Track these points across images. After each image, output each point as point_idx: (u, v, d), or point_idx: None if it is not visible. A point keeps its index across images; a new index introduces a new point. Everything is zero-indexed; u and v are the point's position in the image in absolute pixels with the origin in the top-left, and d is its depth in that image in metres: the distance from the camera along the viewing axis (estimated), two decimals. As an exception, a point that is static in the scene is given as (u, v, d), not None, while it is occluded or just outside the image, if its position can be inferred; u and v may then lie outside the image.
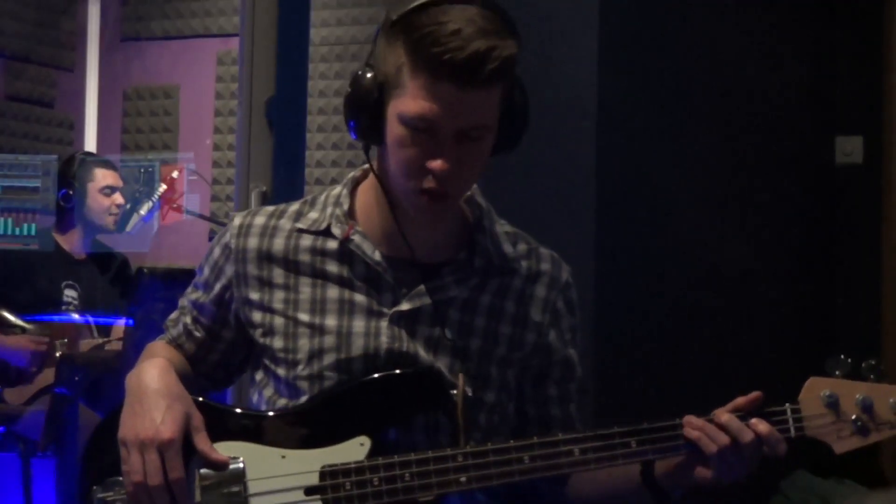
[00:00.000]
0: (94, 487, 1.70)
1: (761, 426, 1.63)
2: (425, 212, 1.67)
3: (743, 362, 3.22)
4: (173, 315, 1.89)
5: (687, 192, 3.08)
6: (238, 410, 1.74)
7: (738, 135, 3.27)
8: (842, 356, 1.67)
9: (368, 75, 1.65)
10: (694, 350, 3.08)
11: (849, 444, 1.65)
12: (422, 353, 1.71)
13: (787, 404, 1.65)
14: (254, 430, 1.69)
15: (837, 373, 1.67)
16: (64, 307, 4.24)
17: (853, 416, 1.64)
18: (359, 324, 1.72)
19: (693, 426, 1.64)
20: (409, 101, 1.60)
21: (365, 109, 1.65)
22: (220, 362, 1.86)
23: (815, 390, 1.66)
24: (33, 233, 4.52)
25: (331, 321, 1.73)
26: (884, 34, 3.59)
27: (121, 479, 1.66)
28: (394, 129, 1.63)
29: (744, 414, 1.64)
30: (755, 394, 1.66)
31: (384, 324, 1.72)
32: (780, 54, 3.42)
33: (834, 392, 1.65)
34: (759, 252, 3.33)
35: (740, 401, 1.66)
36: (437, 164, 1.61)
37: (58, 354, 3.91)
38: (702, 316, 3.12)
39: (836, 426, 1.64)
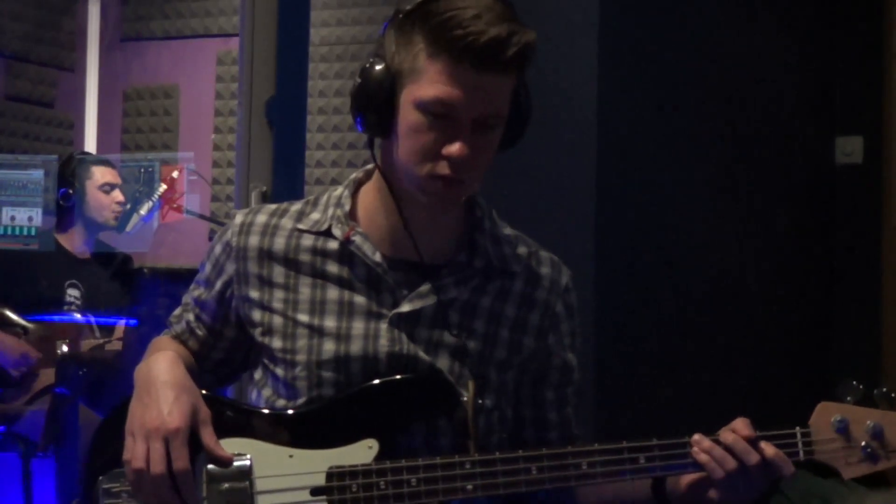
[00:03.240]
0: (101, 478, 1.71)
1: (768, 450, 1.62)
2: (438, 198, 1.66)
3: (742, 363, 3.22)
4: (177, 311, 1.89)
5: (687, 193, 3.08)
6: (248, 408, 1.74)
7: (739, 135, 3.27)
8: (853, 382, 1.67)
9: (378, 66, 1.65)
10: (693, 352, 3.08)
11: (857, 470, 1.65)
12: (421, 355, 1.71)
13: (798, 427, 1.65)
14: (263, 427, 1.69)
15: (849, 398, 1.66)
16: (66, 307, 4.24)
17: (863, 443, 1.64)
18: (358, 325, 1.72)
19: (701, 448, 1.63)
20: (426, 86, 1.60)
21: (375, 100, 1.64)
22: (223, 360, 1.86)
23: (826, 415, 1.66)
24: (33, 233, 4.52)
25: (330, 322, 1.72)
26: (884, 34, 3.59)
27: None
28: (408, 117, 1.63)
29: (750, 437, 1.63)
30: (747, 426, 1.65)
31: (384, 326, 1.72)
32: (780, 54, 3.43)
33: (845, 417, 1.65)
34: (759, 252, 3.33)
35: (740, 427, 1.65)
36: (454, 148, 1.60)
37: (59, 352, 3.91)
38: (701, 317, 3.12)
39: (845, 451, 1.65)
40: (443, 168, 1.62)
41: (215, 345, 1.85)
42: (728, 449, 1.62)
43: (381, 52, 1.66)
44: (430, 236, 1.73)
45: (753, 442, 1.62)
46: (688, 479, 1.67)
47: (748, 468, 1.61)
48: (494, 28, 1.56)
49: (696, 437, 1.64)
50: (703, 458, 1.63)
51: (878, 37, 3.60)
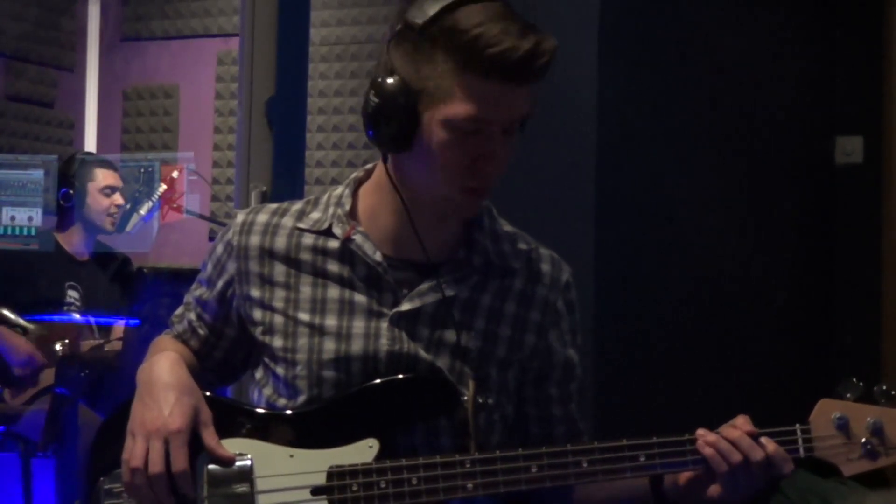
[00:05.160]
0: (102, 479, 1.71)
1: (770, 446, 1.63)
2: (468, 210, 1.70)
3: (742, 362, 3.23)
4: (178, 311, 1.89)
5: (687, 193, 3.08)
6: (248, 408, 1.74)
7: (739, 135, 3.27)
8: (853, 379, 1.67)
9: (396, 84, 1.63)
10: (693, 351, 3.08)
11: (857, 466, 1.65)
12: (422, 353, 1.71)
13: (798, 424, 1.65)
14: (263, 428, 1.70)
15: (849, 396, 1.67)
16: (66, 307, 4.24)
17: (863, 440, 1.64)
18: (359, 324, 1.72)
19: (707, 442, 1.63)
20: (457, 105, 1.60)
21: (396, 119, 1.63)
22: (224, 359, 1.86)
23: (826, 412, 1.66)
24: (33, 233, 4.52)
25: (331, 321, 1.73)
26: (884, 34, 3.59)
27: None
28: (436, 135, 1.63)
29: (752, 433, 1.63)
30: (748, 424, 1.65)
31: (384, 325, 1.72)
32: (780, 54, 3.43)
33: (845, 414, 1.65)
34: (759, 252, 3.33)
35: (741, 423, 1.65)
36: (490, 162, 1.63)
37: (58, 354, 3.91)
38: (701, 316, 3.12)
39: (845, 448, 1.65)
40: (474, 181, 1.65)
41: (217, 344, 1.85)
42: (733, 443, 1.62)
43: (391, 66, 1.64)
44: (435, 236, 1.74)
45: (755, 438, 1.63)
46: (687, 475, 1.67)
47: (751, 464, 1.62)
48: (524, 41, 1.58)
49: (701, 431, 1.65)
50: (707, 451, 1.63)
51: (878, 37, 3.60)
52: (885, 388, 1.66)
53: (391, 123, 1.63)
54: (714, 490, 1.64)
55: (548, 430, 1.82)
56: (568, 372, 1.83)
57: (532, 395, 1.81)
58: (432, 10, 1.60)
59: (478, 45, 1.57)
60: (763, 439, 1.63)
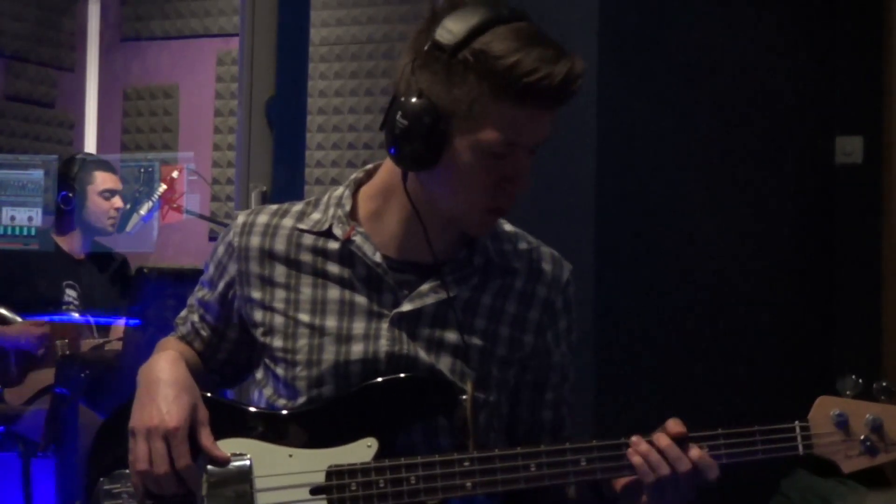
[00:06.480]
0: (102, 479, 1.71)
1: (693, 451, 1.60)
2: (484, 228, 1.71)
3: (742, 361, 3.23)
4: (183, 313, 1.90)
5: (687, 192, 3.08)
6: (247, 408, 1.74)
7: (739, 134, 3.27)
8: (853, 376, 1.67)
9: (424, 104, 1.62)
10: (694, 350, 3.08)
11: (857, 463, 1.64)
12: (422, 354, 1.71)
13: (797, 422, 1.65)
14: (262, 428, 1.70)
15: (848, 392, 1.66)
16: (64, 307, 4.24)
17: (862, 436, 1.64)
18: (359, 325, 1.72)
19: (637, 451, 1.61)
20: (491, 131, 1.61)
21: (424, 140, 1.62)
22: (228, 361, 1.86)
23: (825, 409, 1.65)
24: (33, 233, 4.52)
25: (331, 322, 1.73)
26: (884, 34, 3.59)
27: (128, 471, 1.67)
28: (464, 157, 1.63)
29: (681, 438, 1.61)
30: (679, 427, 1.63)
31: (384, 326, 1.72)
32: (781, 54, 3.43)
33: (844, 411, 1.64)
34: (758, 251, 3.33)
35: (671, 426, 1.63)
36: (515, 183, 1.64)
37: (58, 353, 3.91)
38: (701, 315, 3.12)
39: (844, 445, 1.64)
40: (497, 201, 1.66)
41: (219, 345, 1.85)
42: (661, 453, 1.60)
43: (417, 86, 1.62)
44: (438, 238, 1.73)
45: (682, 443, 1.61)
46: (623, 480, 1.66)
47: (678, 474, 1.60)
48: (559, 67, 1.57)
49: (635, 438, 1.63)
50: (636, 460, 1.61)
51: (878, 37, 3.60)
52: (884, 384, 1.66)
53: (418, 144, 1.62)
54: (644, 497, 1.63)
55: (534, 434, 1.81)
56: (563, 373, 1.83)
57: (528, 398, 1.81)
58: (462, 32, 1.59)
59: (514, 73, 1.57)
60: (689, 445, 1.60)
